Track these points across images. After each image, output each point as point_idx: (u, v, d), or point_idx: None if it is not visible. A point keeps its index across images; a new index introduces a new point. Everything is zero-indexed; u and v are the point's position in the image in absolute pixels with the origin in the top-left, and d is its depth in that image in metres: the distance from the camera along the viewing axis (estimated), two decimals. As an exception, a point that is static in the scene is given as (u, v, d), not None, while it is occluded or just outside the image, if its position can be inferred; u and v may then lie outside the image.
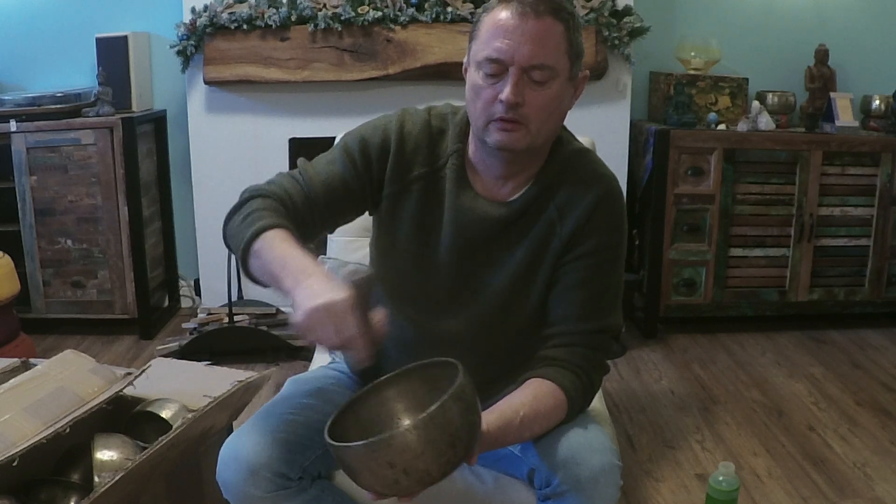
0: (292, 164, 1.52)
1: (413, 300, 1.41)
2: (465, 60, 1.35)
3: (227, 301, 3.01)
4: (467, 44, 1.32)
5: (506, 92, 1.23)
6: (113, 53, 3.19)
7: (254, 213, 1.24)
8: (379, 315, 1.13)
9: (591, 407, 1.55)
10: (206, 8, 3.03)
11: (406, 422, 1.05)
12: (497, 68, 1.24)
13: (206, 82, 3.12)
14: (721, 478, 1.82)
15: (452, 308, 1.39)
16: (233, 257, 3.02)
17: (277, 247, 1.18)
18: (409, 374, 1.25)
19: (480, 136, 1.30)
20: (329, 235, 2.04)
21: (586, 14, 3.01)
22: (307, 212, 1.33)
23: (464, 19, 3.02)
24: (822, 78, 3.39)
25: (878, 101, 3.34)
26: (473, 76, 1.29)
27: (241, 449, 1.29)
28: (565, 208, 1.35)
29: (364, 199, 1.40)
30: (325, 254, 2.08)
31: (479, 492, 1.44)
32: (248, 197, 1.30)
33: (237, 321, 3.00)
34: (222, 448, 1.33)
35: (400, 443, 1.03)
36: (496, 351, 1.42)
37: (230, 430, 1.82)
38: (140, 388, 1.65)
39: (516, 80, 1.23)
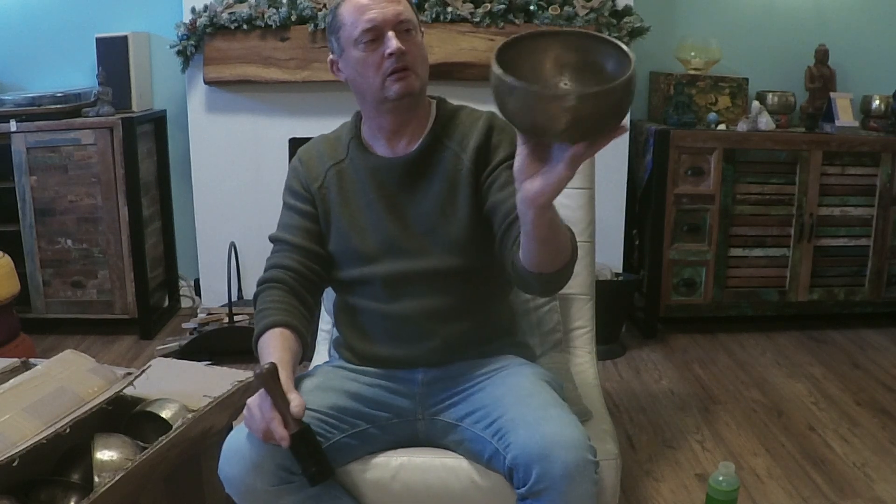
0: (292, 164, 1.67)
1: (365, 259, 1.54)
2: (331, 56, 1.54)
3: (227, 301, 3.01)
4: (329, 42, 1.52)
5: (392, 45, 1.42)
6: (113, 53, 3.19)
7: (263, 310, 1.49)
8: (294, 398, 1.29)
9: (590, 407, 1.55)
10: (206, 8, 3.03)
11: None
12: (374, 34, 1.44)
13: (206, 82, 3.12)
14: (721, 478, 1.82)
15: (395, 252, 1.52)
16: (233, 257, 3.04)
17: (263, 351, 1.44)
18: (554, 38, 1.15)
19: (380, 97, 1.47)
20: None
21: (586, 14, 3.01)
22: (311, 262, 1.55)
23: (464, 19, 3.02)
24: (822, 78, 3.39)
25: (878, 101, 3.34)
26: (353, 55, 1.47)
27: (245, 442, 1.32)
28: (463, 141, 1.53)
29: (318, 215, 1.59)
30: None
31: (459, 490, 1.46)
32: (259, 291, 1.54)
33: (237, 321, 3.01)
34: (225, 443, 1.34)
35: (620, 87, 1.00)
36: (452, 276, 1.52)
37: (230, 430, 1.82)
38: (140, 388, 1.65)
39: (395, 35, 1.44)
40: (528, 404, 1.38)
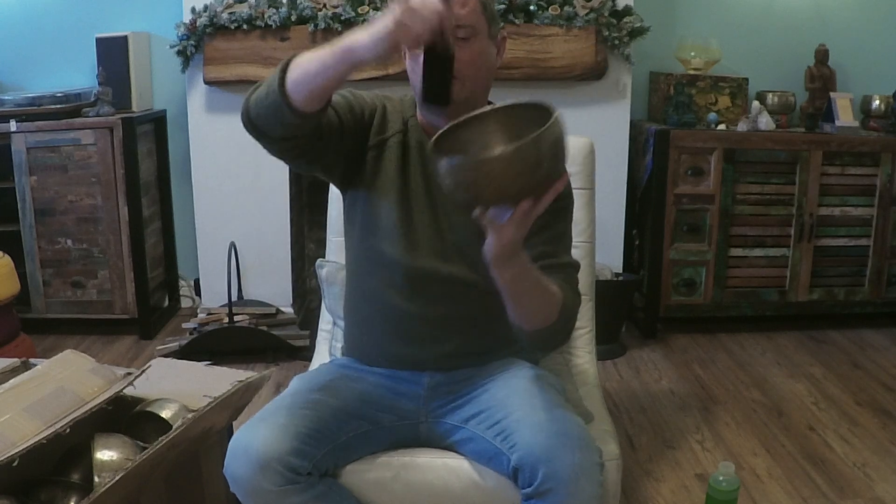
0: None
1: (390, 242, 1.51)
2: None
3: (227, 301, 3.01)
4: None
5: None
6: (113, 53, 3.18)
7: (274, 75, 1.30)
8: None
9: (590, 407, 1.55)
10: (206, 8, 3.03)
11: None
12: None
13: (206, 82, 3.12)
14: (721, 478, 1.82)
15: (421, 249, 1.50)
16: (233, 257, 3.04)
17: (311, 50, 1.27)
18: (497, 114, 1.32)
19: (420, 97, 1.42)
20: (328, 237, 2.05)
21: (586, 14, 3.01)
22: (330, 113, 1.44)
23: (464, 19, 3.01)
24: (822, 78, 3.39)
25: (878, 101, 3.34)
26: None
27: (253, 441, 1.31)
28: None
29: (354, 135, 1.50)
30: (324, 256, 2.08)
31: (461, 490, 1.46)
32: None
33: (237, 321, 3.00)
34: (231, 441, 1.34)
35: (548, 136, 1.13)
36: (469, 287, 1.50)
37: (230, 430, 1.82)
38: (140, 388, 1.65)
39: None
40: (534, 405, 1.39)
